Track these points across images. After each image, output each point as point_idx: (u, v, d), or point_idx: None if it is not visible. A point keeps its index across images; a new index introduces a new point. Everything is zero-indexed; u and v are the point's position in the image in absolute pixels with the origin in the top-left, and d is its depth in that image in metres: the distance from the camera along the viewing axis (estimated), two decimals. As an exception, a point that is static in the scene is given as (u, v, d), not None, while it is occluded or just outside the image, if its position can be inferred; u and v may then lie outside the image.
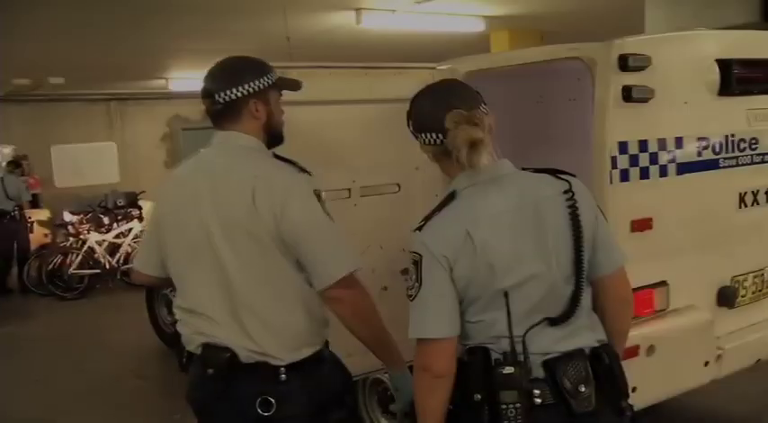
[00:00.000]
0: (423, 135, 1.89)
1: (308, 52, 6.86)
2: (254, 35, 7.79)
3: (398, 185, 3.30)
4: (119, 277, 9.43)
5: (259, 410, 2.00)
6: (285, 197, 1.99)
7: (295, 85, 2.29)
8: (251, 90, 2.09)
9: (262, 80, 2.12)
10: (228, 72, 2.12)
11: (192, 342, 2.12)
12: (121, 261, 9.41)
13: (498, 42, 8.50)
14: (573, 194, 1.82)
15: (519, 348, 1.77)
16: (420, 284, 1.78)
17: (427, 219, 1.83)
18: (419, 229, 1.82)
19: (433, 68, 3.31)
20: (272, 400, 1.99)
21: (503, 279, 1.76)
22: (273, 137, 2.19)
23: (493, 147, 1.82)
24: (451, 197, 1.83)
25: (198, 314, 2.08)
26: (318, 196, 2.05)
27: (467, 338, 1.83)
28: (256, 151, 2.12)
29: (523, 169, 1.90)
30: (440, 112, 1.82)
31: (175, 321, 7.13)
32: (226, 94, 2.08)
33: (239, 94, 2.08)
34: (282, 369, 2.01)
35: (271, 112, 2.15)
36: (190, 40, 7.93)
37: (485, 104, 1.89)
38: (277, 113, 2.18)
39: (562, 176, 1.87)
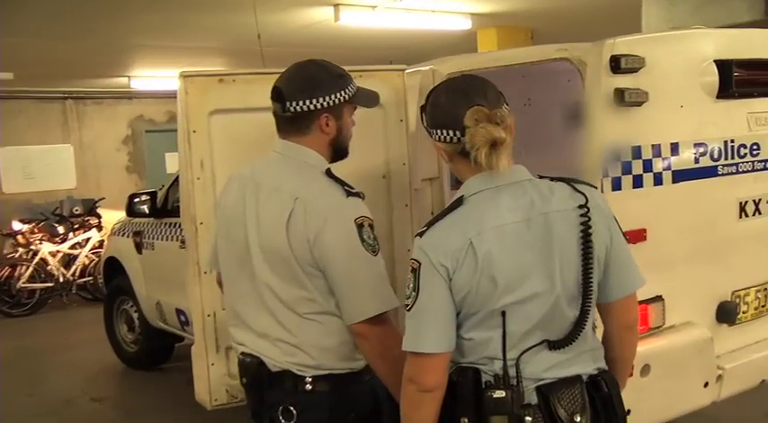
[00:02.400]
0: (438, 132, 1.87)
1: (281, 51, 6.85)
2: (223, 32, 7.78)
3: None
4: (74, 291, 9.35)
5: (281, 419, 2.10)
6: (321, 223, 2.03)
7: (371, 102, 2.32)
8: (325, 104, 2.12)
9: (339, 94, 2.15)
10: (306, 80, 2.14)
11: (237, 352, 2.28)
12: (77, 274, 9.35)
13: (485, 41, 8.56)
14: (588, 211, 1.81)
15: (512, 372, 1.77)
16: (417, 294, 1.78)
17: (430, 224, 1.82)
18: (420, 234, 1.82)
19: (403, 70, 3.29)
20: (293, 411, 2.10)
21: (503, 295, 1.75)
22: (338, 152, 2.23)
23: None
24: (458, 203, 1.83)
25: (240, 320, 2.23)
26: (361, 225, 2.07)
27: (458, 356, 1.83)
28: (311, 167, 2.15)
29: (540, 177, 1.90)
30: (459, 108, 1.80)
31: (136, 339, 7.08)
32: (298, 105, 2.11)
33: (311, 107, 2.12)
34: (309, 379, 2.11)
35: (341, 127, 2.19)
36: (153, 35, 7.90)
37: (507, 104, 1.88)
38: (347, 128, 2.22)
39: (580, 188, 1.86)
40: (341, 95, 2.15)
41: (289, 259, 2.05)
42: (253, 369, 2.16)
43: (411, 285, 1.80)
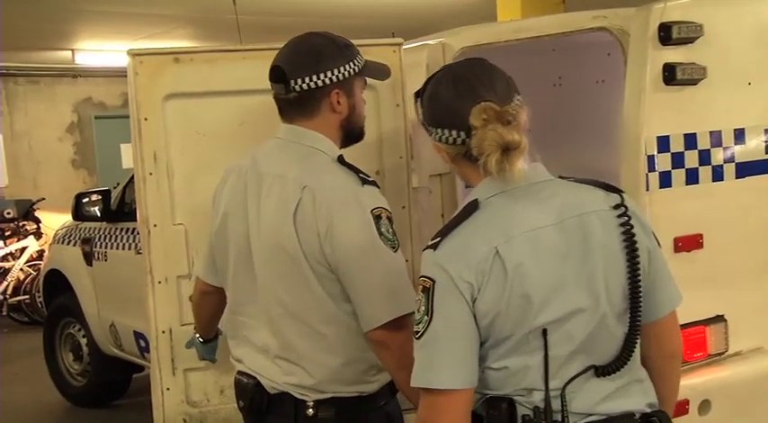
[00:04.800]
0: (438, 131, 1.90)
1: (260, 20, 6.87)
2: (190, -6, 7.82)
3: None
4: (5, 313, 9.36)
5: None
6: (333, 214, 2.14)
7: (383, 73, 2.45)
8: (335, 78, 2.23)
9: (348, 66, 2.26)
10: (309, 53, 2.25)
11: (234, 370, 2.40)
12: (10, 291, 9.36)
13: (506, 7, 8.57)
14: (626, 210, 1.86)
15: (555, 404, 1.79)
16: (431, 318, 1.78)
17: (443, 234, 1.83)
18: (432, 246, 1.83)
19: (399, 45, 3.30)
20: None
21: (539, 314, 1.77)
22: (351, 134, 2.34)
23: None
24: (474, 207, 1.84)
25: (239, 332, 2.36)
26: (379, 216, 2.16)
27: (485, 388, 1.84)
28: (320, 154, 2.24)
29: (561, 178, 1.94)
30: (464, 104, 1.83)
31: (84, 370, 7.13)
32: (304, 82, 2.21)
33: (320, 83, 2.22)
34: (311, 403, 2.21)
35: (354, 105, 2.30)
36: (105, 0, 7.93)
37: (518, 94, 1.92)
38: (359, 106, 2.33)
39: (612, 190, 1.91)
40: (350, 67, 2.26)
41: (296, 256, 2.14)
42: (250, 391, 2.29)
43: (422, 308, 1.80)
